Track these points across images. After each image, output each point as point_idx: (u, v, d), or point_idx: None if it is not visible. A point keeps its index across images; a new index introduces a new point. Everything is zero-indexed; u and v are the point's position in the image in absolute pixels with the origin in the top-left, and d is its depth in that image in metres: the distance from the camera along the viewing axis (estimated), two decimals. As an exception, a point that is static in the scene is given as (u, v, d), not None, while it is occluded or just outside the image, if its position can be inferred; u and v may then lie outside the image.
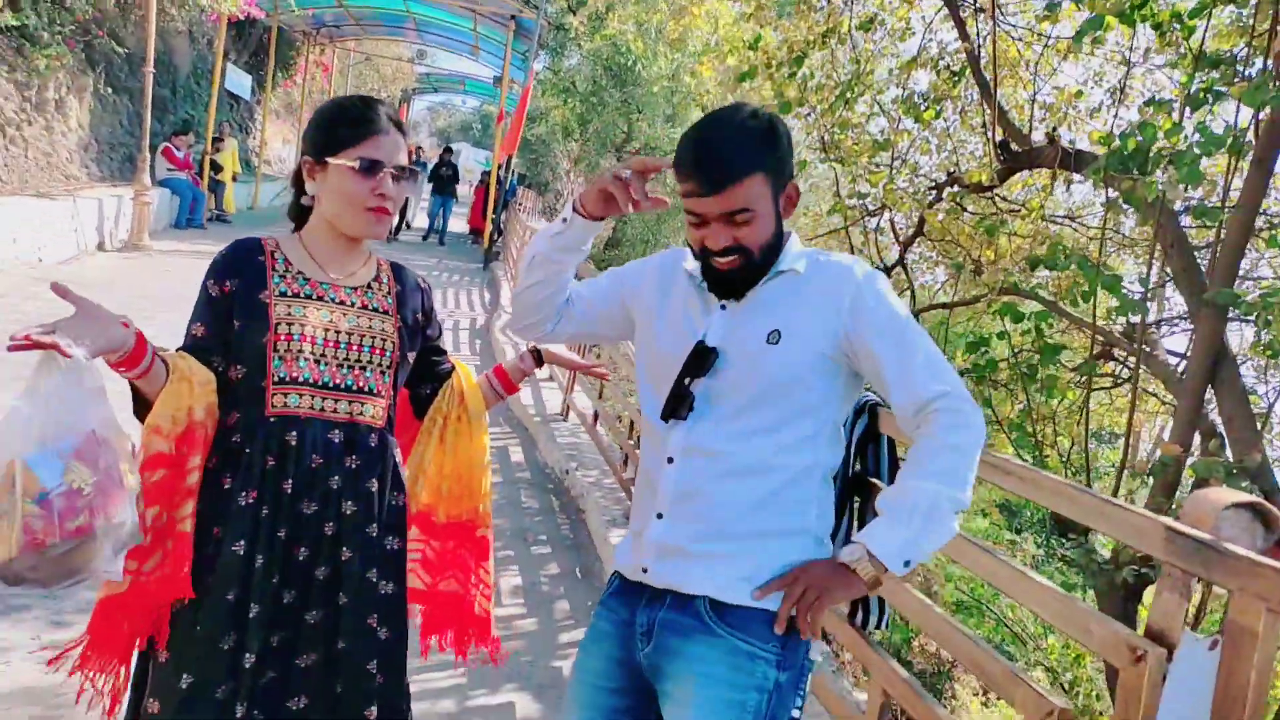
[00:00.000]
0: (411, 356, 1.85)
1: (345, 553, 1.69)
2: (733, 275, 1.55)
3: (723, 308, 1.60)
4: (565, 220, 1.65)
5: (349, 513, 1.69)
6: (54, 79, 11.49)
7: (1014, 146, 5.00)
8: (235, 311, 1.67)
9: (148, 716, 1.62)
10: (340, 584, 1.69)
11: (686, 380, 1.56)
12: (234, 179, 15.77)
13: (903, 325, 1.52)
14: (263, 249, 1.75)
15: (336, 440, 1.69)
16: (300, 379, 1.67)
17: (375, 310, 1.79)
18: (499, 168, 16.08)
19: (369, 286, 1.81)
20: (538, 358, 2.11)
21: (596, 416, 6.25)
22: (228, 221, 15.11)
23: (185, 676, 1.59)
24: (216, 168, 14.94)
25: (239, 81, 17.73)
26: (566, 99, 18.37)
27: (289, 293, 1.70)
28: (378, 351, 1.75)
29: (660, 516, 1.57)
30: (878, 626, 2.37)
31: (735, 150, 1.48)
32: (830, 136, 6.31)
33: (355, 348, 1.73)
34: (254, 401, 1.66)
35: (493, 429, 7.26)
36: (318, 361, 1.69)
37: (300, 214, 1.82)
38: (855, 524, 2.01)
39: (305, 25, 19.71)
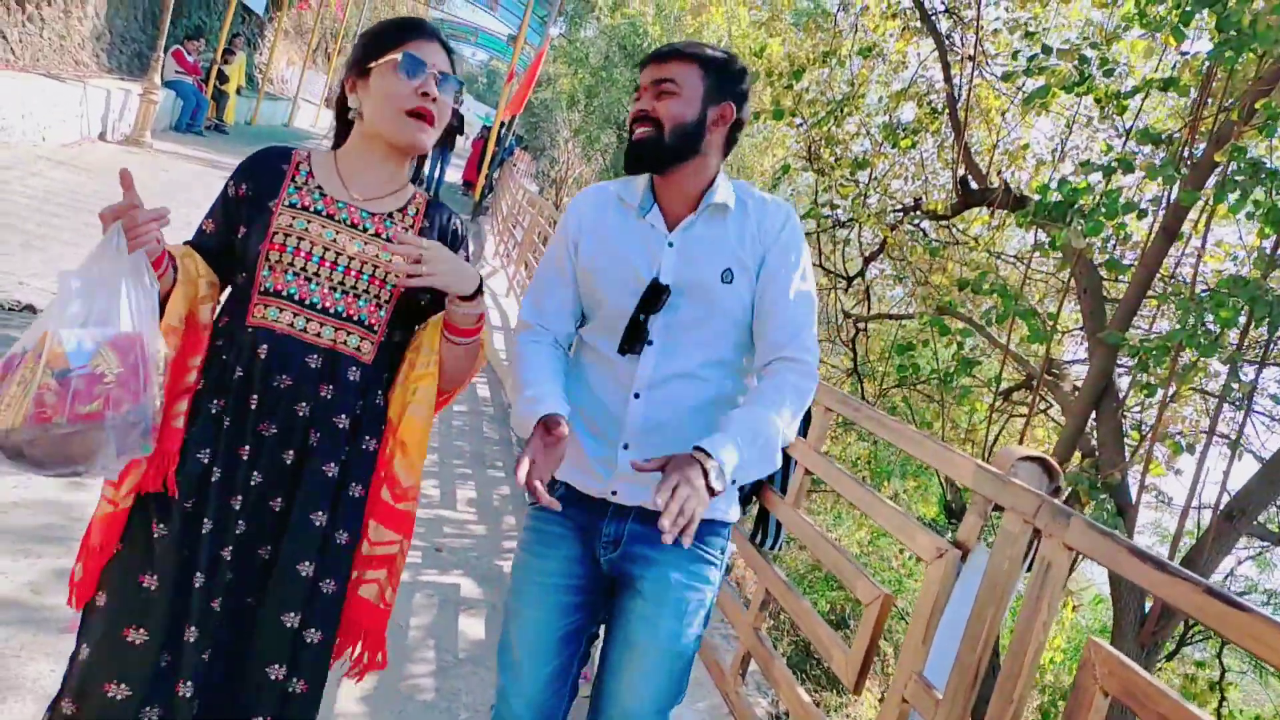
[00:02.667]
0: (424, 301, 1.70)
1: (301, 490, 1.59)
2: (640, 148, 1.69)
3: (670, 245, 1.70)
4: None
5: (313, 443, 1.59)
6: (78, -37, 11.61)
7: (972, 184, 5.57)
8: (245, 216, 1.63)
9: (97, 608, 1.56)
10: (287, 526, 1.59)
11: (642, 316, 1.67)
12: (238, 92, 15.95)
13: (808, 283, 1.72)
14: (289, 158, 1.68)
15: (313, 365, 1.59)
16: (285, 293, 1.59)
17: (388, 241, 1.67)
18: (500, 126, 16.39)
19: (390, 215, 1.69)
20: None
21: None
22: (225, 132, 15.31)
23: (147, 576, 1.54)
24: (223, 78, 15.13)
25: (256, -4, 17.83)
26: (577, 69, 18.72)
27: (298, 204, 1.63)
28: (376, 282, 1.64)
29: (626, 447, 1.69)
30: (773, 547, 2.90)
31: (686, 45, 1.73)
32: (816, 148, 6.83)
33: (353, 273, 1.63)
34: (239, 309, 1.61)
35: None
36: (309, 279, 1.60)
37: (342, 135, 1.73)
38: None
39: (330, -48, 19.79)
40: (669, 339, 1.70)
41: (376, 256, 1.65)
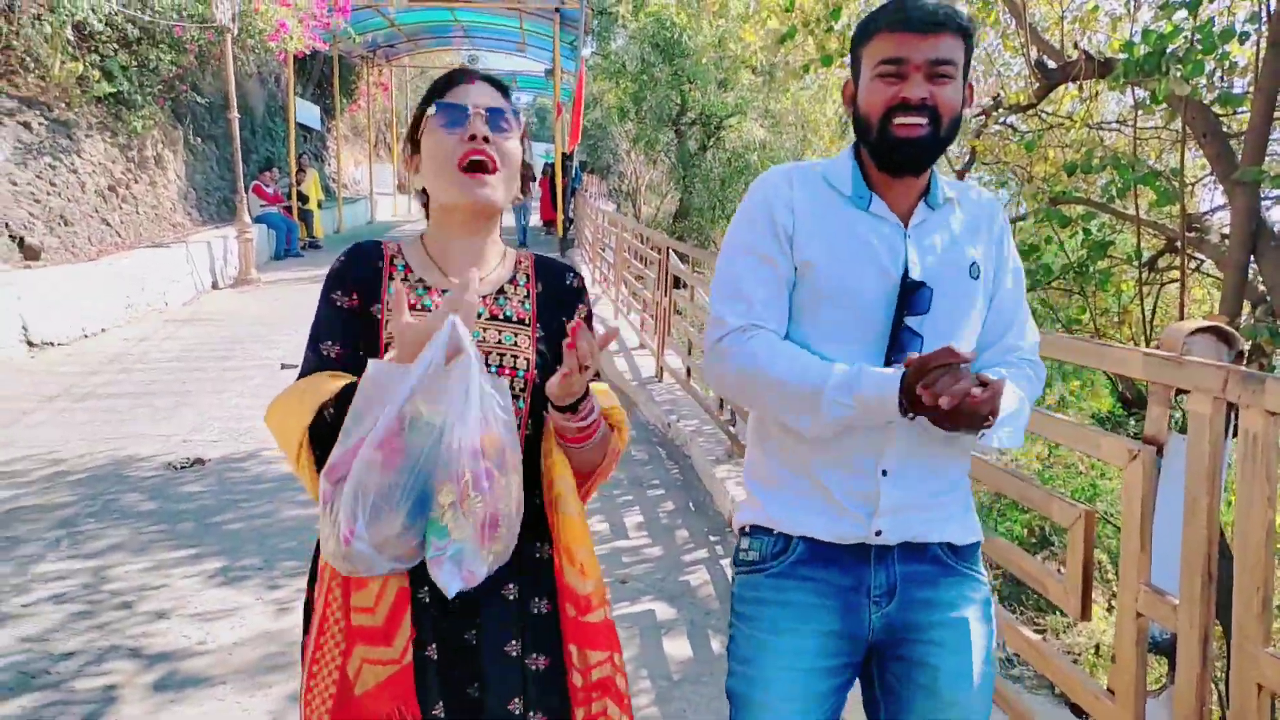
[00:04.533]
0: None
1: (485, 617, 1.44)
2: (918, 143, 1.41)
3: (907, 237, 1.46)
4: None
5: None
6: (150, 136, 12.50)
7: (1049, 63, 5.26)
8: (359, 328, 1.45)
9: None
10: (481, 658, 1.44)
11: (904, 319, 1.43)
12: (319, 205, 16.78)
13: (1021, 272, 1.58)
14: (381, 254, 1.50)
15: None
16: None
17: (508, 320, 1.49)
18: (563, 158, 16.62)
19: (501, 291, 1.51)
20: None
21: (689, 372, 6.75)
22: (319, 247, 16.12)
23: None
24: (303, 198, 15.95)
25: (309, 113, 18.72)
26: (618, 80, 18.80)
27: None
28: (507, 371, 1.45)
29: (886, 474, 1.44)
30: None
31: (952, 11, 1.42)
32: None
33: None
34: None
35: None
36: None
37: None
38: None
39: (362, 50, 20.61)
40: (930, 347, 1.41)
41: (499, 342, 1.46)
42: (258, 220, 14.09)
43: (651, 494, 5.13)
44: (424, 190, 1.51)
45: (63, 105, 10.83)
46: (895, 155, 1.43)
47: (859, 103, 1.46)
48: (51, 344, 8.28)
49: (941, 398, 1.25)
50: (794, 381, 1.40)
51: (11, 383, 7.06)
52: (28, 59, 10.50)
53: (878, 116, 1.42)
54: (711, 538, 4.48)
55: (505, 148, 1.45)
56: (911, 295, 1.43)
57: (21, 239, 9.24)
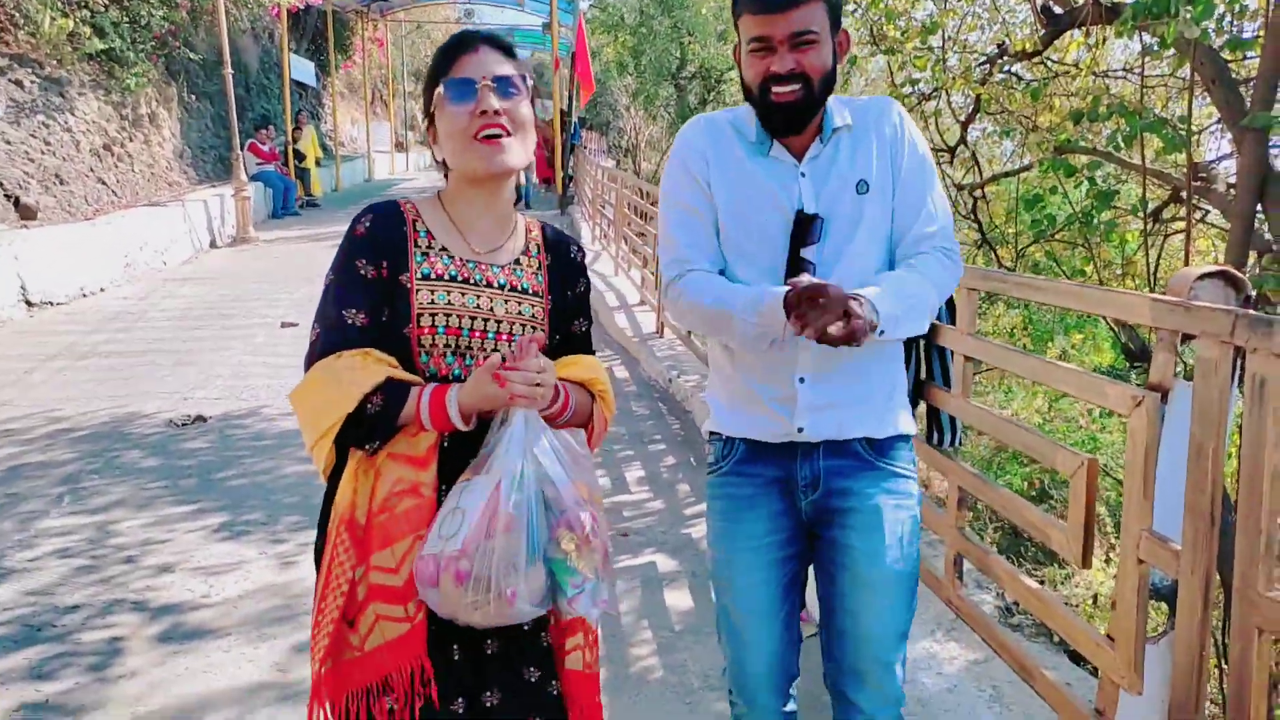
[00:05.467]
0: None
1: None
2: (793, 107, 1.59)
3: (802, 175, 1.65)
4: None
5: None
6: (143, 94, 12.34)
7: (1055, 8, 5.16)
8: (385, 296, 1.45)
9: None
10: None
11: (800, 250, 1.62)
12: (317, 163, 16.61)
13: (930, 163, 1.71)
14: (403, 217, 1.50)
15: None
16: (449, 376, 1.46)
17: (524, 292, 1.54)
18: (560, 114, 16.41)
19: (517, 262, 1.55)
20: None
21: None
22: (317, 205, 15.99)
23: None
24: (299, 155, 15.79)
25: (303, 69, 18.47)
26: (616, 34, 18.54)
27: (431, 274, 1.46)
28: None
29: (803, 380, 1.65)
30: (952, 444, 2.79)
31: None
32: (878, 29, 6.50)
33: (505, 338, 1.50)
34: None
35: (596, 352, 7.80)
36: (463, 354, 1.47)
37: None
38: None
39: (356, 4, 20.27)
40: (824, 268, 1.63)
41: (519, 313, 1.52)
42: (254, 179, 13.97)
43: (653, 449, 5.14)
44: (444, 161, 1.53)
45: (54, 63, 10.68)
46: (776, 118, 1.63)
47: (742, 70, 1.66)
48: (50, 303, 8.26)
49: (806, 329, 1.43)
50: (714, 306, 1.63)
51: (12, 342, 7.05)
52: (17, 15, 10.33)
53: (756, 86, 1.62)
54: (713, 491, 4.50)
55: (517, 113, 1.47)
56: (806, 229, 1.63)
57: (17, 198, 9.16)
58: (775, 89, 1.58)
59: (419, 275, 1.46)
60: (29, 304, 8.06)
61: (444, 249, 1.49)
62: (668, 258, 1.75)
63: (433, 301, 1.45)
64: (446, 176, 1.56)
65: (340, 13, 20.13)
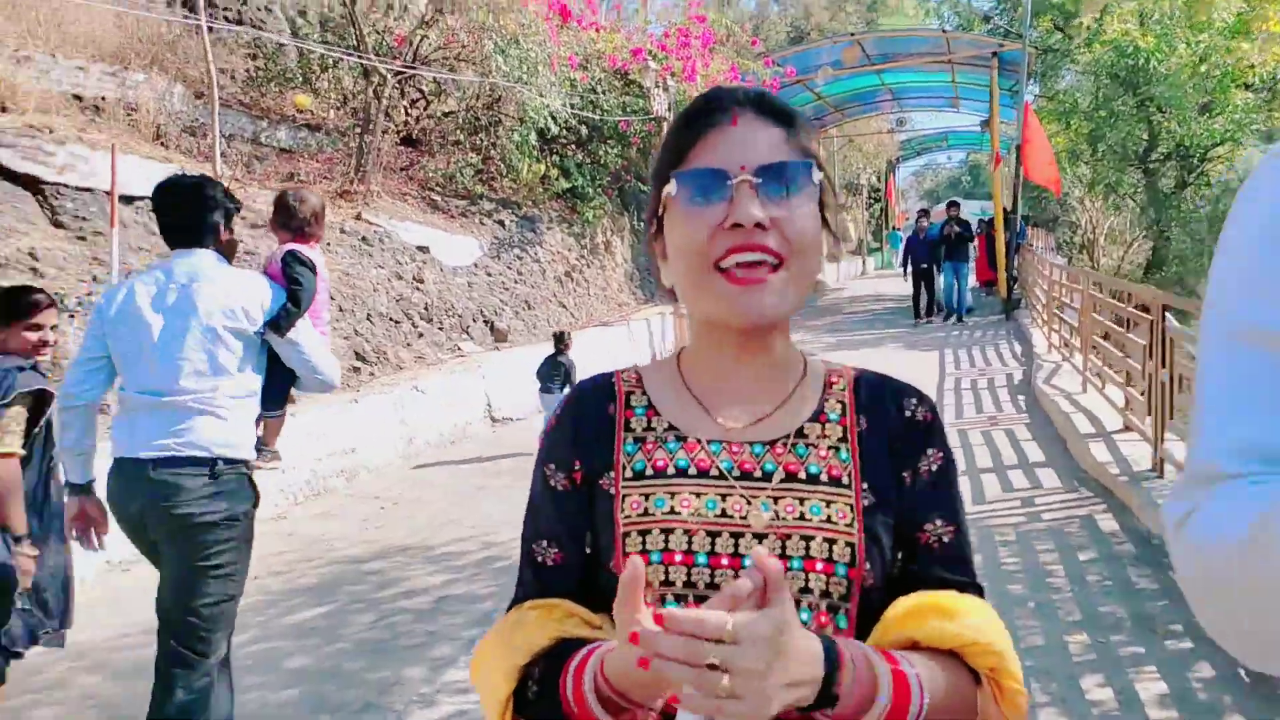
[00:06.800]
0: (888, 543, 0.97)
1: None
2: None
3: None
4: None
5: None
6: (600, 225, 13.59)
7: None
8: (584, 514, 1.02)
9: None
10: None
11: None
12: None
13: None
14: (613, 393, 1.05)
15: None
16: None
17: (813, 479, 0.97)
18: (1005, 212, 15.13)
19: (801, 434, 1.00)
20: None
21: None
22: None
23: None
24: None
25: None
26: (1069, 121, 16.85)
27: (646, 468, 0.99)
28: (819, 567, 0.93)
29: None
30: None
31: None
32: None
33: (773, 553, 0.95)
34: None
35: (1067, 493, 6.47)
36: (706, 587, 0.93)
37: None
38: None
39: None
40: None
41: (800, 518, 0.94)
42: (687, 296, 14.57)
43: (1174, 647, 3.74)
44: (673, 289, 1.02)
45: (530, 203, 12.12)
46: None
47: None
48: (510, 419, 8.95)
49: None
50: None
51: (473, 453, 7.62)
52: (503, 165, 11.94)
53: None
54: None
55: (793, 225, 0.93)
56: None
57: (492, 323, 10.28)
58: None
59: (628, 474, 0.98)
60: (492, 420, 8.81)
61: (670, 427, 1.00)
62: (1205, 443, 0.77)
63: (645, 512, 0.96)
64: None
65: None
